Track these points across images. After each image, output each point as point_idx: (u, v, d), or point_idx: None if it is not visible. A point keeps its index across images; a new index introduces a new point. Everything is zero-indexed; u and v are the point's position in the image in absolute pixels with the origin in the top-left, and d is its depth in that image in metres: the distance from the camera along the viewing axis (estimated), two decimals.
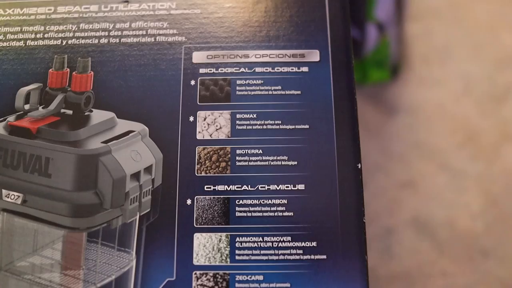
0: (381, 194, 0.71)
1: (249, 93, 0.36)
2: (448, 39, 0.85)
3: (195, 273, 0.33)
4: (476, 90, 0.82)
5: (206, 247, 0.34)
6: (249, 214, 0.34)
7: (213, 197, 0.34)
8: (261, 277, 0.33)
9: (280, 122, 0.36)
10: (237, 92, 0.36)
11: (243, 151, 0.35)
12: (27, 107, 0.37)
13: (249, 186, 0.34)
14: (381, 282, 0.65)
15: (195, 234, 0.34)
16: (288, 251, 0.33)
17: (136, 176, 0.35)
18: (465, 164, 0.75)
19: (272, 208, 0.34)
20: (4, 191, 0.35)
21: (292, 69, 0.37)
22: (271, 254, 0.33)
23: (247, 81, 0.37)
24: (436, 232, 0.69)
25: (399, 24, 0.78)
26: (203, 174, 0.35)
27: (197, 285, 0.33)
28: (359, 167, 0.35)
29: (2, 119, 0.37)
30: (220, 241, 0.34)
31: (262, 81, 0.37)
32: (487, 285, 0.64)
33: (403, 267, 0.66)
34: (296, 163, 0.35)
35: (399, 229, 0.69)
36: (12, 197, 0.35)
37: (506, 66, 0.83)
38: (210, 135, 0.36)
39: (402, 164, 0.75)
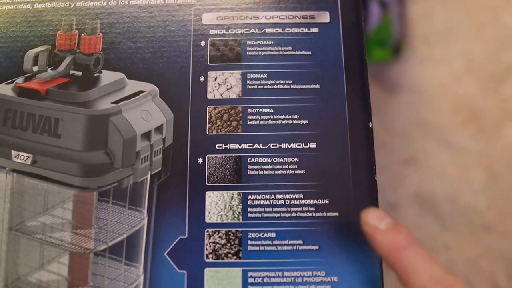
0: (385, 171, 0.71)
1: (260, 53, 0.36)
2: (450, 19, 0.85)
3: (207, 231, 0.33)
4: (478, 70, 0.82)
5: (218, 205, 0.33)
6: (261, 172, 0.34)
7: (225, 156, 0.34)
8: (273, 234, 0.33)
9: (291, 82, 0.35)
10: (248, 53, 0.36)
11: (254, 110, 0.35)
12: (35, 69, 0.37)
13: (261, 144, 0.34)
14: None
15: (207, 193, 0.34)
16: (300, 209, 0.33)
17: (146, 135, 0.35)
18: (467, 141, 0.74)
19: (284, 166, 0.34)
20: (13, 152, 0.35)
21: (302, 30, 0.37)
22: (283, 212, 0.33)
23: (257, 42, 0.36)
24: (439, 207, 0.69)
25: (401, 3, 0.77)
26: (214, 133, 0.35)
27: (210, 242, 0.33)
28: (370, 126, 0.35)
29: (10, 81, 0.37)
30: (232, 199, 0.33)
31: (272, 42, 0.36)
32: (489, 259, 0.64)
33: None
34: (307, 122, 0.34)
35: (403, 205, 0.68)
36: (22, 157, 0.35)
37: (507, 46, 0.82)
38: (221, 95, 0.36)
39: (405, 141, 0.75)
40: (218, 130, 0.35)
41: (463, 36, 0.84)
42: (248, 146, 0.34)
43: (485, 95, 0.80)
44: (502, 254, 0.65)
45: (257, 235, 0.33)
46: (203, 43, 0.37)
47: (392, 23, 0.81)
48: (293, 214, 0.33)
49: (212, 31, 0.37)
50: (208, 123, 0.35)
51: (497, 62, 0.81)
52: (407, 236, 0.29)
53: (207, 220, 0.33)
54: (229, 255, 0.33)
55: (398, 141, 0.74)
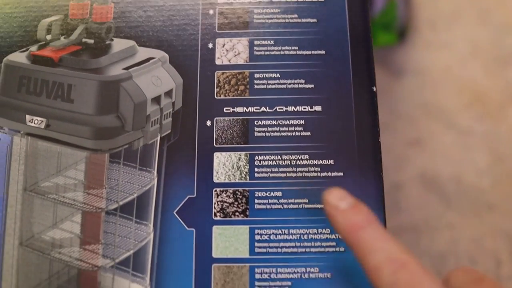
0: (389, 152, 0.72)
1: (267, 21, 0.37)
2: (455, 4, 0.85)
3: (215, 190, 0.34)
4: (483, 54, 0.82)
5: (226, 165, 0.35)
6: (267, 134, 0.35)
7: (232, 119, 0.35)
8: (279, 193, 0.34)
9: (296, 48, 0.37)
10: (255, 20, 0.37)
11: (261, 75, 0.36)
12: (49, 37, 0.38)
13: (267, 107, 0.35)
14: (390, 234, 0.65)
15: (215, 154, 0.35)
16: (306, 169, 0.34)
17: (156, 100, 0.36)
18: (472, 123, 0.75)
19: (290, 128, 0.35)
20: (28, 117, 0.36)
21: None
22: (289, 172, 0.34)
23: (264, 10, 0.37)
24: (443, 187, 0.70)
25: None
26: (222, 97, 0.36)
27: (217, 201, 0.34)
28: (374, 90, 0.36)
29: (24, 49, 0.38)
30: (239, 160, 0.35)
31: (279, 10, 0.37)
32: (492, 238, 0.65)
33: (411, 220, 0.67)
34: (313, 86, 0.36)
35: (407, 185, 0.69)
36: (36, 122, 0.36)
37: None
38: (229, 61, 0.37)
39: (409, 123, 0.76)
40: (226, 94, 0.36)
41: (468, 20, 0.85)
42: (255, 109, 0.35)
43: (489, 78, 0.80)
44: (506, 233, 0.65)
45: (263, 194, 0.34)
46: (211, 12, 0.38)
47: (397, 7, 0.82)
48: (299, 174, 0.34)
49: (220, 0, 0.38)
50: (216, 88, 0.36)
51: (502, 46, 0.82)
52: (367, 216, 0.28)
53: (215, 180, 0.34)
54: (237, 214, 0.34)
55: (403, 123, 0.75)
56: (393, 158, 0.72)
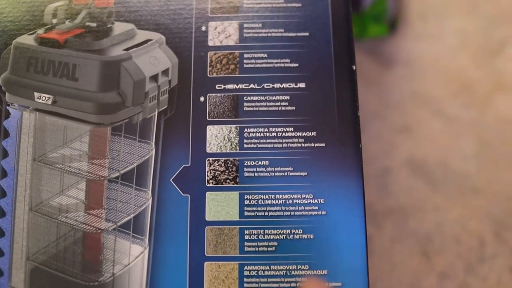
0: (378, 138, 0.76)
1: (255, 6, 0.41)
2: None
3: (208, 160, 0.38)
4: (471, 45, 0.87)
5: (218, 137, 0.39)
6: (256, 109, 0.39)
7: (224, 95, 0.39)
8: (266, 162, 0.38)
9: (282, 30, 0.41)
10: (244, 5, 0.41)
11: (250, 55, 0.40)
12: (54, 21, 0.42)
13: (256, 84, 0.39)
14: (378, 216, 0.70)
15: (207, 127, 0.39)
16: (291, 140, 0.38)
17: (154, 78, 0.40)
18: (459, 111, 0.79)
19: (276, 103, 0.39)
20: (36, 94, 0.40)
21: None
22: (275, 143, 0.38)
23: None
24: (430, 172, 0.74)
25: None
26: (214, 75, 0.40)
27: (210, 169, 0.38)
28: (354, 68, 0.40)
29: (32, 32, 0.42)
30: (230, 132, 0.39)
31: None
32: (477, 220, 0.69)
33: (398, 203, 0.71)
34: (297, 65, 0.40)
35: (395, 169, 0.73)
36: (43, 98, 0.40)
37: (501, 22, 0.87)
38: (221, 42, 0.41)
39: (398, 111, 0.80)
40: (218, 73, 0.40)
41: (458, 12, 0.89)
42: (245, 86, 0.39)
43: (477, 68, 0.84)
44: (489, 215, 0.69)
45: (252, 163, 0.38)
46: None
47: None
48: (284, 145, 0.38)
49: None
50: (209, 67, 0.40)
51: (490, 37, 0.86)
52: None
53: (208, 150, 0.39)
54: (228, 181, 0.38)
55: (392, 111, 0.79)
56: (382, 144, 0.76)
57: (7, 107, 0.40)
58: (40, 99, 0.40)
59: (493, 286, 0.66)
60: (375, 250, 0.68)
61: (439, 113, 0.79)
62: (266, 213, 0.37)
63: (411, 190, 0.73)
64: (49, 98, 0.40)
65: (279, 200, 0.37)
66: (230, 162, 0.38)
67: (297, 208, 0.37)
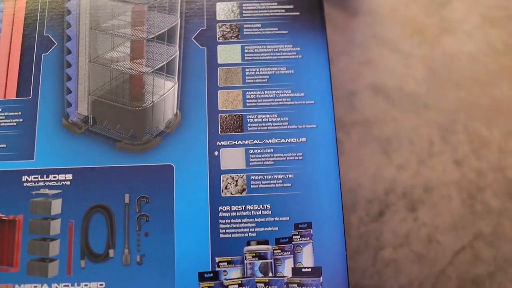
0: (346, 69, 0.96)
1: None
2: None
3: (218, 24, 0.57)
4: None
5: (226, 7, 0.57)
6: None
7: None
8: (259, 25, 0.57)
9: None
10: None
11: None
12: None
13: None
14: (347, 126, 0.89)
15: None
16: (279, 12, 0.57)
17: None
18: (413, 48, 1.00)
19: None
20: None
21: None
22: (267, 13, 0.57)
23: None
24: (389, 93, 0.93)
25: None
26: None
27: (220, 30, 0.57)
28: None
29: None
30: (232, 7, 0.57)
31: None
32: (427, 127, 0.89)
33: (363, 116, 0.90)
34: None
35: (360, 92, 0.93)
36: None
37: None
38: None
39: (362, 49, 1.00)
40: None
41: None
42: None
43: (428, 16, 1.05)
44: (437, 123, 0.89)
45: (252, 25, 0.57)
46: None
47: None
48: (272, 13, 0.57)
49: None
50: None
51: None
52: None
53: (217, 18, 0.57)
54: (232, 37, 0.56)
55: (357, 49, 0.99)
56: (349, 74, 0.96)
57: None
58: None
59: (439, 174, 0.85)
60: (344, 150, 0.87)
61: (396, 50, 0.99)
62: (263, 56, 0.56)
63: (373, 107, 0.92)
64: None
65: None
66: (234, 26, 0.57)
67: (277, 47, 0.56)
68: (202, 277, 0.51)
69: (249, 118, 0.55)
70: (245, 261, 0.51)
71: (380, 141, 0.89)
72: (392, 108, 0.92)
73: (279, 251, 0.52)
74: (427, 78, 0.96)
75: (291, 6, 0.57)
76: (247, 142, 0.54)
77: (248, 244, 0.52)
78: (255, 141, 0.54)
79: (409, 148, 0.87)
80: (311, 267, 0.51)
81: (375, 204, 0.83)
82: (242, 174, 0.53)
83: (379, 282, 0.76)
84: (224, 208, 0.52)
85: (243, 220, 0.52)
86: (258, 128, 0.54)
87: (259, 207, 0.52)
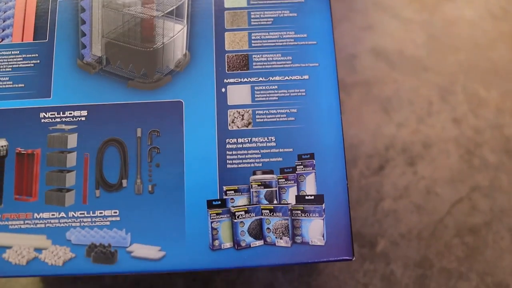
0: (347, 34, 1.00)
1: None
2: None
3: None
4: None
5: None
6: None
7: None
8: None
9: None
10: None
11: None
12: None
13: None
14: (348, 87, 0.93)
15: None
16: None
17: None
18: (413, 14, 1.03)
19: None
20: None
21: None
22: None
23: None
24: (389, 56, 0.97)
25: None
26: None
27: None
28: None
29: None
30: None
31: None
32: (427, 88, 0.92)
33: (364, 77, 0.94)
34: None
35: (361, 55, 0.96)
36: None
37: None
38: None
39: (364, 15, 1.03)
40: None
41: None
42: None
43: None
44: (436, 84, 0.93)
45: None
46: None
47: None
48: None
49: None
50: None
51: None
52: None
53: None
54: None
55: (359, 15, 1.03)
56: (350, 38, 1.00)
57: None
58: None
59: (438, 131, 0.89)
60: (346, 110, 0.91)
61: (396, 16, 1.03)
62: (267, 0, 0.59)
63: (374, 69, 0.96)
64: None
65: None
66: None
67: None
68: (210, 204, 0.54)
69: (254, 57, 0.58)
70: (251, 190, 0.55)
71: (380, 100, 0.93)
72: (392, 70, 0.96)
73: (284, 180, 0.56)
74: (427, 42, 1.00)
75: None
76: (252, 79, 0.58)
77: (254, 173, 0.55)
78: (260, 78, 0.58)
79: (409, 107, 0.91)
80: (313, 195, 0.55)
81: (375, 159, 0.87)
82: (248, 109, 0.57)
83: (379, 230, 0.80)
84: (231, 141, 0.56)
85: (249, 152, 0.56)
86: (263, 66, 0.58)
87: (264, 139, 0.56)
